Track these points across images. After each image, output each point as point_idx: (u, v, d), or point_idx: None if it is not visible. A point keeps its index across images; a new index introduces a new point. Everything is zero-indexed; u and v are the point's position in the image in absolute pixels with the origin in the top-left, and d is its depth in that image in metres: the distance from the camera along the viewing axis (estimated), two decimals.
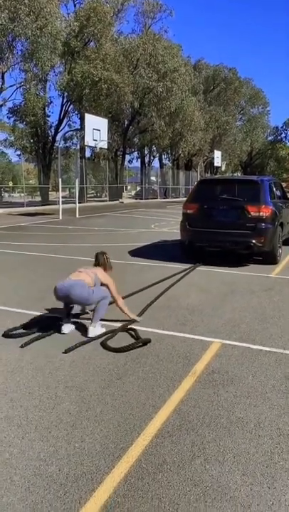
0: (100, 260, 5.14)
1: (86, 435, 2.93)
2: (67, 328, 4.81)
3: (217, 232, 8.40)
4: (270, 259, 8.60)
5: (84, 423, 3.07)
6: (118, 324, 5.02)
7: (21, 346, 4.39)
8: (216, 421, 3.12)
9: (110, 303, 4.91)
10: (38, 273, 7.93)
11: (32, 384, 3.64)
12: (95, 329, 4.71)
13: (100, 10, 22.80)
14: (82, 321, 5.13)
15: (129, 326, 4.95)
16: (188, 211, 8.95)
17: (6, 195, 40.55)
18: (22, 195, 38.43)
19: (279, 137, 72.27)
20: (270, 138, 72.19)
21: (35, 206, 25.68)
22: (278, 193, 9.79)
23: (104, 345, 4.41)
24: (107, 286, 4.85)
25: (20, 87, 23.43)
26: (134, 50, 27.48)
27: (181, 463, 2.66)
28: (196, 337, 4.77)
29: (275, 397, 3.48)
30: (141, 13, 30.84)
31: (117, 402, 3.36)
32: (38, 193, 35.25)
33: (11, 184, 49.27)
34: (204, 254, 8.99)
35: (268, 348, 4.47)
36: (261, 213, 8.21)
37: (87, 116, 18.28)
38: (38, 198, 32.99)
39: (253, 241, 8.16)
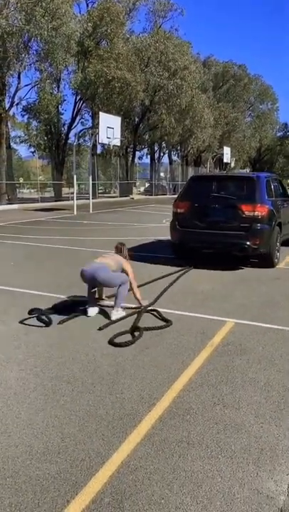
0: (121, 250, 5.72)
1: (124, 389, 3.54)
2: (93, 311, 5.33)
3: (209, 233, 7.86)
4: (266, 262, 7.99)
5: (122, 380, 3.69)
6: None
7: (59, 323, 5.02)
8: (232, 380, 3.72)
9: (128, 290, 5.43)
10: (62, 263, 8.56)
11: (73, 352, 4.26)
12: (118, 313, 5.19)
13: (113, 10, 23.35)
14: (104, 307, 5.71)
15: (151, 308, 5.55)
16: (179, 210, 8.37)
17: (17, 191, 41.31)
18: (32, 191, 39.22)
19: (288, 133, 72.35)
20: (279, 134, 72.24)
21: (47, 202, 26.34)
22: (277, 190, 9.19)
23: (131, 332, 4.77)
24: (127, 273, 5.39)
25: (35, 86, 24.09)
26: (146, 49, 27.99)
27: (204, 408, 3.26)
28: (212, 317, 5.37)
29: (282, 363, 4.07)
30: (152, 12, 31.34)
31: (147, 366, 3.97)
32: (48, 189, 36.00)
33: (21, 180, 50.00)
34: (197, 255, 8.47)
35: (276, 326, 5.06)
36: (256, 213, 7.60)
37: (102, 115, 18.88)
38: (49, 194, 33.71)
39: (248, 243, 7.55)
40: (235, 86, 54.23)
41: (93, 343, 4.48)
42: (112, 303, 5.37)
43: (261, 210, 7.65)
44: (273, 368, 3.96)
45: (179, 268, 7.76)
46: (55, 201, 27.38)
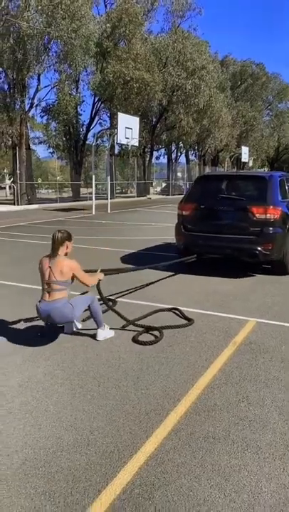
0: (57, 245, 4.27)
1: (149, 385, 3.61)
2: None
3: (216, 237, 7.27)
4: (279, 269, 7.39)
5: (146, 377, 3.76)
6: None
7: (83, 320, 5.11)
8: (255, 378, 3.75)
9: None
10: (86, 261, 8.65)
11: (97, 349, 4.34)
12: (104, 332, 4.54)
13: (132, 11, 23.46)
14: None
15: (173, 306, 5.61)
16: (184, 212, 7.76)
17: (36, 191, 41.86)
18: (50, 191, 39.64)
19: None
20: None
21: (66, 202, 26.61)
22: None
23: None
24: (75, 276, 4.31)
25: (54, 87, 24.35)
26: (164, 49, 28.03)
27: (229, 405, 3.31)
28: (233, 316, 5.40)
29: None
30: (170, 12, 31.30)
31: (170, 363, 4.03)
32: (66, 189, 36.33)
33: (40, 181, 50.51)
34: (204, 261, 7.93)
35: None
36: (268, 215, 7.01)
37: (120, 115, 19.00)
38: (66, 194, 34.03)
39: (259, 248, 6.97)
40: (253, 85, 53.86)
41: (116, 340, 4.56)
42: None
43: (274, 213, 7.06)
44: None
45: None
46: (74, 201, 27.65)
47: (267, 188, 7.28)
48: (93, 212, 19.87)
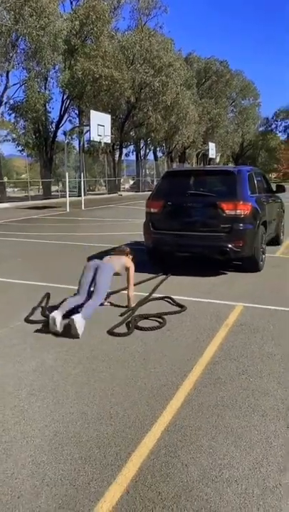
0: (126, 254, 5.64)
1: (156, 364, 3.90)
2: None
3: (186, 235, 7.08)
4: (250, 265, 7.29)
5: (152, 357, 4.04)
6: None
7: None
8: (251, 354, 4.11)
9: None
10: (72, 257, 8.85)
11: (102, 335, 4.59)
12: (81, 320, 4.59)
13: (99, 8, 23.55)
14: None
15: (165, 295, 5.91)
16: (152, 210, 7.46)
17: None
18: (15, 190, 39.19)
19: (269, 128, 73.55)
20: (261, 129, 73.40)
21: (37, 200, 26.47)
22: (261, 185, 8.41)
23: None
24: (129, 269, 5.44)
25: (23, 84, 24.16)
26: (131, 46, 28.28)
27: (232, 378, 3.64)
28: (222, 302, 5.75)
29: None
30: (136, 9, 31.57)
31: (172, 345, 4.34)
32: (32, 187, 35.98)
33: (6, 179, 49.64)
34: (175, 261, 7.64)
35: (282, 308, 5.47)
36: (238, 211, 6.83)
37: (93, 113, 19.13)
38: (33, 193, 33.76)
39: (229, 245, 6.76)
40: (217, 82, 54.86)
41: (118, 329, 4.80)
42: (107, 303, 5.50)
43: (244, 208, 6.87)
44: (286, 344, 4.35)
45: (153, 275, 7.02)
46: (44, 199, 27.52)
47: (236, 183, 7.09)
48: (68, 210, 19.94)
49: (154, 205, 7.44)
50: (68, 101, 27.83)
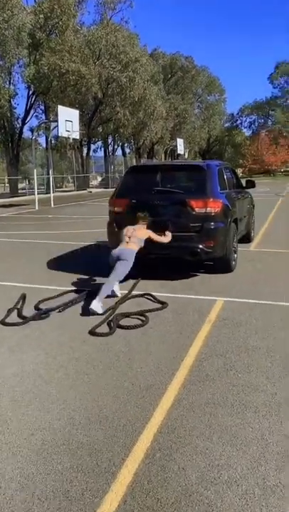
0: (143, 222, 6.19)
1: (142, 363, 3.79)
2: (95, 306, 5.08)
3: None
4: (222, 266, 6.89)
5: (137, 356, 3.93)
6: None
7: (59, 311, 5.18)
8: (237, 349, 4.06)
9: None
10: (43, 256, 8.60)
11: (82, 336, 4.44)
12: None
13: (64, 1, 23.07)
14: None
15: (146, 292, 5.81)
16: (116, 209, 6.91)
17: None
18: None
19: (235, 124, 74.44)
20: (226, 125, 74.20)
21: (3, 198, 25.82)
22: (231, 180, 8.03)
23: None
24: (150, 237, 6.01)
25: None
26: (97, 41, 27.92)
27: (220, 374, 3.58)
28: (202, 297, 5.70)
29: (276, 332, 4.46)
30: (101, 4, 31.18)
31: (156, 343, 4.24)
32: (1, 184, 35.15)
33: None
34: (142, 263, 6.39)
35: (261, 301, 5.47)
36: (209, 209, 6.39)
37: (60, 108, 18.75)
38: (0, 190, 32.99)
39: (200, 246, 6.33)
40: (183, 78, 55.11)
41: (100, 328, 4.66)
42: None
43: (214, 206, 6.44)
44: (270, 337, 4.34)
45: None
46: (12, 197, 26.88)
47: (205, 179, 6.66)
48: (36, 208, 19.52)
49: (118, 203, 6.89)
50: (34, 96, 27.23)
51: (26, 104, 27.51)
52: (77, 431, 2.84)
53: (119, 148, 49.56)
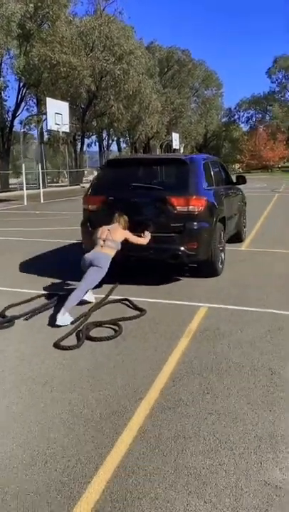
0: (120, 222, 5.55)
1: (107, 384, 3.32)
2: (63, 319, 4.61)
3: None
4: (207, 270, 6.35)
5: (103, 376, 3.46)
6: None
7: (25, 319, 4.70)
8: (217, 367, 3.60)
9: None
10: (18, 256, 8.11)
11: (46, 349, 3.97)
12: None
13: None
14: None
15: (123, 297, 5.34)
16: (90, 206, 6.32)
17: None
18: None
19: (232, 119, 73.83)
20: (224, 120, 73.58)
21: None
22: (219, 176, 7.52)
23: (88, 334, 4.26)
24: (127, 239, 5.46)
25: None
26: (90, 33, 27.26)
27: (195, 399, 3.11)
28: (184, 303, 5.24)
29: (263, 345, 4.00)
30: None
31: (127, 358, 3.77)
32: None
33: None
34: (121, 266, 5.93)
35: (249, 308, 5.01)
36: (191, 207, 5.84)
37: (49, 100, 18.17)
38: None
39: (182, 248, 5.78)
40: (179, 72, 54.49)
41: (68, 340, 4.19)
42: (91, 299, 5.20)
43: (197, 204, 5.88)
44: (256, 351, 3.88)
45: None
46: (2, 192, 26.31)
47: (188, 174, 6.09)
48: (25, 203, 19.00)
49: (93, 200, 6.30)
50: (25, 89, 26.59)
51: (17, 97, 26.90)
52: (16, 475, 2.38)
53: (115, 143, 49.03)
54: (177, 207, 5.83)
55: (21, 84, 26.32)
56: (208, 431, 2.74)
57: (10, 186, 28.93)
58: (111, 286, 5.72)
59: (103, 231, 5.35)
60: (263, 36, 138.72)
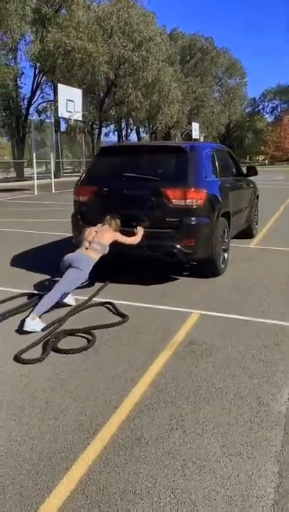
0: (111, 225, 5.18)
1: (60, 412, 2.81)
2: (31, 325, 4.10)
3: (124, 232, 5.30)
4: (207, 269, 5.84)
5: (58, 400, 2.95)
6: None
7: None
8: (195, 393, 3.04)
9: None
10: (6, 249, 7.66)
11: (5, 363, 3.48)
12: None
13: None
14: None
15: (106, 300, 4.82)
16: (81, 198, 5.92)
17: None
18: None
19: (256, 109, 71.97)
20: (247, 110, 71.78)
21: (9, 182, 25.02)
22: (226, 166, 7.00)
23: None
24: (116, 240, 5.07)
25: None
26: (108, 18, 26.46)
27: (159, 437, 2.57)
28: (174, 308, 4.67)
29: (254, 366, 3.42)
30: None
31: (93, 377, 3.25)
32: (11, 168, 34.28)
33: None
34: (113, 263, 5.81)
35: (247, 318, 4.41)
36: (189, 201, 5.32)
37: (60, 87, 17.62)
38: (14, 174, 32.11)
39: (178, 246, 5.28)
40: (202, 60, 53.12)
41: (33, 350, 3.69)
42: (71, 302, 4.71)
43: (196, 197, 5.34)
44: (244, 373, 3.30)
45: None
46: (17, 181, 26.06)
47: (187, 164, 5.54)
48: (35, 193, 18.61)
49: (83, 191, 5.86)
50: (41, 75, 26.10)
51: (32, 84, 26.44)
52: None
53: (134, 132, 48.27)
54: (173, 200, 5.29)
55: (37, 71, 25.86)
56: (165, 485, 2.19)
57: (28, 176, 28.61)
58: (102, 284, 5.31)
59: (90, 232, 5.01)
60: None
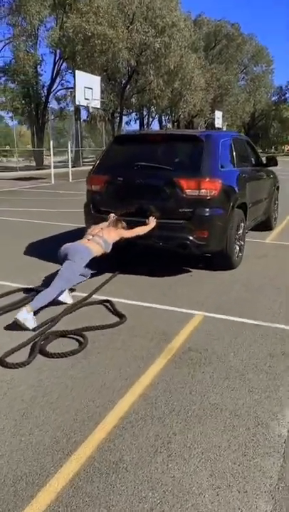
0: (118, 227, 5.11)
1: (36, 426, 2.57)
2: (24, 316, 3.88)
3: (135, 222, 5.24)
4: (221, 262, 5.68)
5: (36, 412, 2.71)
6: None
7: None
8: (187, 408, 2.75)
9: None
10: (14, 241, 7.47)
11: None
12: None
13: None
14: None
15: (105, 298, 4.56)
16: (93, 187, 5.84)
17: (4, 159, 39.65)
18: (20, 159, 37.47)
19: (283, 97, 70.07)
20: (273, 98, 70.01)
21: (29, 171, 24.97)
22: (244, 156, 6.77)
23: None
24: (121, 238, 4.97)
25: (8, 43, 22.19)
26: (130, 3, 25.83)
27: (140, 461, 2.30)
28: (177, 309, 4.38)
29: (256, 378, 3.10)
30: None
31: (78, 386, 2.99)
32: (32, 157, 34.27)
33: (7, 148, 47.87)
34: (126, 253, 5.79)
35: (254, 322, 4.08)
36: (203, 191, 5.15)
37: (78, 73, 17.27)
38: (34, 162, 32.08)
39: (190, 237, 5.13)
40: (228, 46, 51.82)
41: (20, 353, 3.46)
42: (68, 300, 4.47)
43: (210, 187, 5.16)
44: (244, 387, 2.99)
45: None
46: (37, 170, 25.97)
47: (202, 153, 5.35)
48: (52, 182, 18.46)
49: (96, 180, 5.79)
50: (60, 62, 25.77)
51: (52, 71, 26.14)
52: None
53: (157, 120, 47.61)
54: (186, 190, 5.15)
55: (57, 58, 25.55)
56: None
57: (46, 164, 28.53)
58: (110, 275, 5.33)
59: (95, 228, 5.02)
60: None
